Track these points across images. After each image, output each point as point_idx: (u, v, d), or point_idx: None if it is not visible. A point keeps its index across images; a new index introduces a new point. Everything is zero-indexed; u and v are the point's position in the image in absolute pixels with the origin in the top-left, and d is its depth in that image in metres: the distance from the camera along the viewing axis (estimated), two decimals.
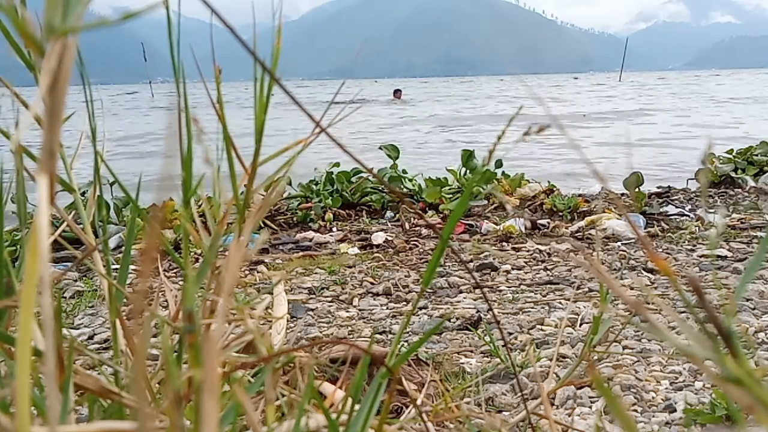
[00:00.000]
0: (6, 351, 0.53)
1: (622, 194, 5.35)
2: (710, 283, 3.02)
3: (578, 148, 0.48)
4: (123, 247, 0.95)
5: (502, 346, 2.14)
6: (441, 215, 4.71)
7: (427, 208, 4.88)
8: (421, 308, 2.80)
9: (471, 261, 3.52)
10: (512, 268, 3.38)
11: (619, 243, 3.84)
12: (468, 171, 5.16)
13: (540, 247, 3.78)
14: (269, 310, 1.50)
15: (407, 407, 1.38)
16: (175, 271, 3.37)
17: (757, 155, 5.79)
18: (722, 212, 4.70)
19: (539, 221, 4.33)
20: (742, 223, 4.18)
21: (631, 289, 2.99)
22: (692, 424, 1.71)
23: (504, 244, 3.95)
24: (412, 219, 4.45)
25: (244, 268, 3.42)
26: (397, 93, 31.09)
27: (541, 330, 2.50)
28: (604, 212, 4.40)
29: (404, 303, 2.90)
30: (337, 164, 5.24)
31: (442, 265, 3.39)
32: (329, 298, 2.98)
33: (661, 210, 4.64)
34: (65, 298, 3.03)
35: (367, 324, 2.64)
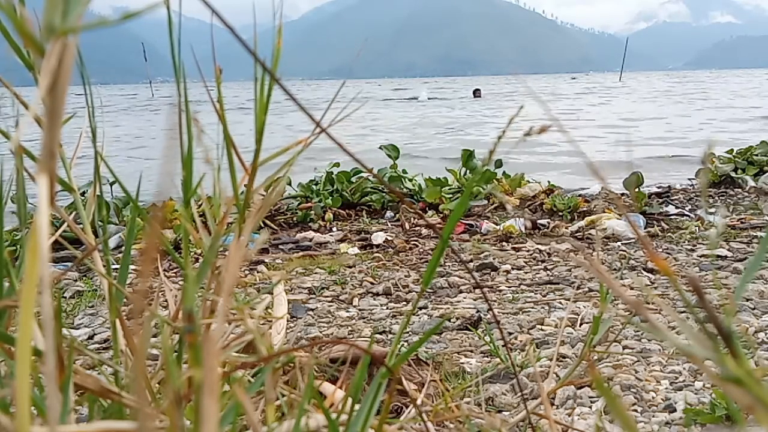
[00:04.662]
0: (6, 351, 0.53)
1: (622, 194, 5.35)
2: (710, 283, 3.02)
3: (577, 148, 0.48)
4: (123, 247, 0.95)
5: (502, 346, 2.14)
6: (441, 215, 4.71)
7: (427, 208, 4.88)
8: (421, 308, 2.80)
9: (471, 261, 3.52)
10: (512, 268, 3.38)
11: (619, 243, 3.84)
12: (468, 171, 5.16)
13: (540, 247, 3.78)
14: (269, 310, 1.50)
15: (407, 407, 1.38)
16: (175, 271, 3.37)
17: (757, 155, 5.79)
18: (722, 212, 4.70)
19: (539, 221, 4.33)
20: (742, 223, 4.18)
21: (631, 289, 2.99)
22: (692, 424, 1.71)
23: (504, 244, 3.94)
24: (412, 219, 4.45)
25: (244, 268, 3.42)
26: (477, 93, 31.85)
27: (541, 330, 2.50)
28: (604, 212, 4.40)
29: (404, 303, 2.90)
30: (337, 164, 5.23)
31: (442, 265, 3.40)
32: (329, 298, 2.98)
33: (661, 210, 4.64)
34: (65, 298, 3.03)
35: (367, 324, 2.64)
